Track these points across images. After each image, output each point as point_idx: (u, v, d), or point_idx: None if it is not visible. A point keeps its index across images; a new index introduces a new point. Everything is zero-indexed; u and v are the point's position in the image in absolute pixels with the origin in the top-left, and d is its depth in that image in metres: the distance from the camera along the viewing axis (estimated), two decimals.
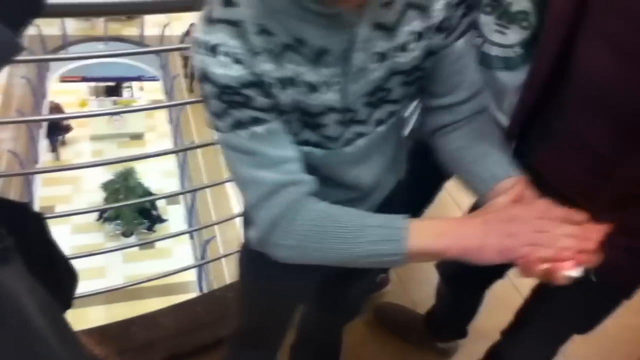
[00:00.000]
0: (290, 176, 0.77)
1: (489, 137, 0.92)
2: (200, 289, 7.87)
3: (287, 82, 0.74)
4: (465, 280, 1.61)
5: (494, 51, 1.28)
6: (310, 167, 0.86)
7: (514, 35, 1.24)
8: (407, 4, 0.78)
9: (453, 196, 2.64)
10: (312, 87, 0.76)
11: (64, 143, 10.00)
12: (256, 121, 0.74)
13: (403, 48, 0.80)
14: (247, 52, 0.71)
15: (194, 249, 8.74)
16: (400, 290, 2.20)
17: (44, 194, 9.30)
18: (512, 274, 1.49)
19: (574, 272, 0.71)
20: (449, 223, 0.73)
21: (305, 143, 0.83)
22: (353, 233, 0.73)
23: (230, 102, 0.73)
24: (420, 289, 2.18)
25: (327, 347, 1.64)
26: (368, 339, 1.98)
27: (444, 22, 0.82)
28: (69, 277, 0.97)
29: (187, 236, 8.74)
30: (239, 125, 0.74)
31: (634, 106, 0.90)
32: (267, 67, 0.72)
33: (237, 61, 0.70)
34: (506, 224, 0.71)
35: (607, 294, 1.17)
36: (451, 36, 0.85)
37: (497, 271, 1.52)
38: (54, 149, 9.83)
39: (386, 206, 1.07)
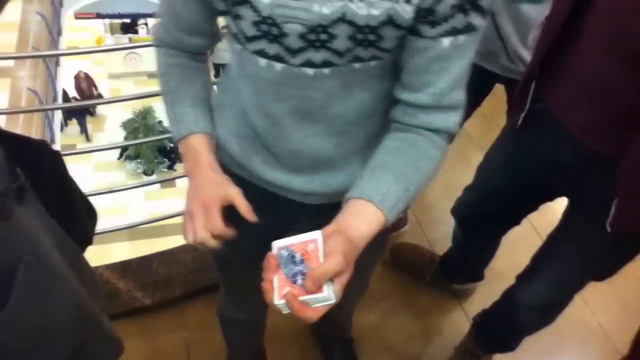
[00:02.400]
0: (180, 33, 0.91)
1: (409, 160, 0.82)
2: None
3: None
4: (480, 226, 1.60)
5: None
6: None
7: None
8: None
9: (474, 137, 2.60)
10: None
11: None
12: None
13: None
14: None
15: None
16: (418, 230, 2.21)
17: (65, 132, 9.40)
18: (531, 216, 1.48)
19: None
20: (195, 160, 0.90)
21: (262, 54, 0.80)
22: (166, 103, 0.94)
23: None
24: (437, 229, 2.19)
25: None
26: (382, 277, 2.01)
27: None
28: (88, 214, 0.98)
29: None
30: None
31: None
32: None
33: None
34: (194, 190, 0.87)
35: (623, 241, 1.15)
36: (436, 28, 0.74)
37: (512, 218, 1.51)
38: (83, 130, 9.64)
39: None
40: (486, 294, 1.77)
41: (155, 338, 1.81)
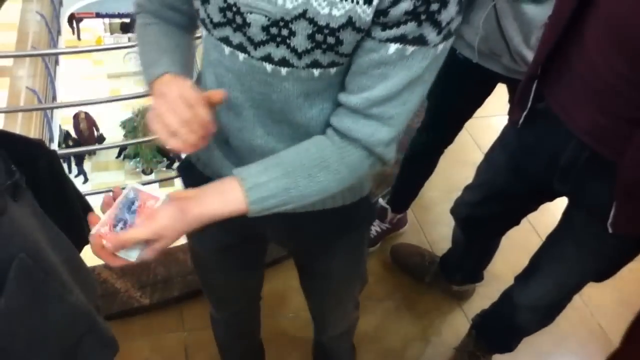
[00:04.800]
0: (158, 3, 0.90)
1: (307, 164, 0.80)
2: None
3: None
4: (480, 226, 1.60)
5: None
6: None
7: None
8: None
9: (474, 137, 2.59)
10: None
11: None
12: None
13: None
14: None
15: None
16: (417, 230, 2.20)
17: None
18: (531, 217, 1.47)
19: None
20: (160, 87, 0.79)
21: (226, 41, 0.80)
22: (141, 54, 0.87)
23: None
24: (437, 230, 2.18)
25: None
26: (383, 279, 2.00)
27: None
28: (85, 213, 0.97)
29: None
30: None
31: None
32: None
33: None
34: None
35: (623, 243, 1.14)
36: (386, 31, 0.71)
37: (513, 218, 1.50)
38: (82, 174, 8.78)
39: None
40: (486, 294, 1.76)
41: (153, 338, 1.80)
